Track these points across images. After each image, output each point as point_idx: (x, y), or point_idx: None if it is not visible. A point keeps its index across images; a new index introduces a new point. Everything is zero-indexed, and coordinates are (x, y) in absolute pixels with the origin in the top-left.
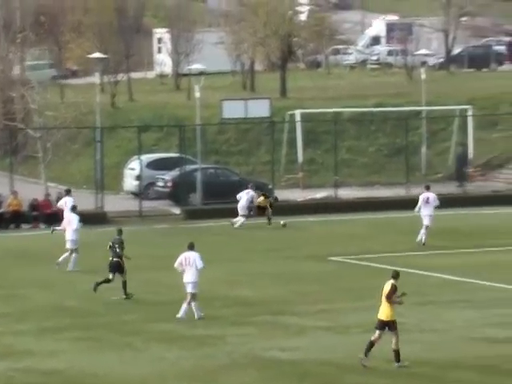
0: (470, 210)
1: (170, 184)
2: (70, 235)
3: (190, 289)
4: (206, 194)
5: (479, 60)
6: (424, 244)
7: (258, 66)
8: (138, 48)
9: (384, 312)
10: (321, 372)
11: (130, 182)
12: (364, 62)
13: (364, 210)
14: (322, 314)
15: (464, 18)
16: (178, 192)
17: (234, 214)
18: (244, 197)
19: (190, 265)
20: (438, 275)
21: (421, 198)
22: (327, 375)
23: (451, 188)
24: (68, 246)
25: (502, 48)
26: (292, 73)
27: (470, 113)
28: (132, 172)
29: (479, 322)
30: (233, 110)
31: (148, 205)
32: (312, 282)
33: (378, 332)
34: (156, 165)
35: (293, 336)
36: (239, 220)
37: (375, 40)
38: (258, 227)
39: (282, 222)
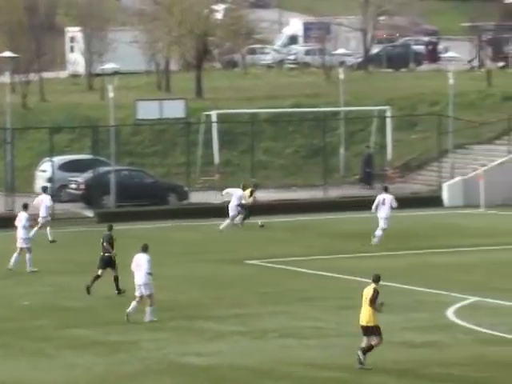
0: (390, 212)
1: (82, 186)
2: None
3: (142, 291)
4: (120, 196)
5: (398, 60)
6: (372, 244)
7: (173, 66)
8: (50, 47)
9: (365, 317)
10: (237, 377)
11: (41, 184)
12: (281, 62)
13: (281, 213)
14: (238, 319)
15: (382, 17)
16: (91, 194)
17: (148, 216)
18: (234, 196)
19: (139, 266)
20: (358, 279)
21: (377, 198)
22: (243, 380)
23: (370, 190)
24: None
25: (420, 48)
26: (208, 73)
27: (388, 113)
28: (44, 174)
29: (398, 326)
30: (147, 110)
31: (60, 207)
32: (228, 285)
33: (365, 339)
34: (68, 167)
35: (208, 341)
36: (226, 223)
37: (293, 39)
38: (173, 230)
39: (259, 223)
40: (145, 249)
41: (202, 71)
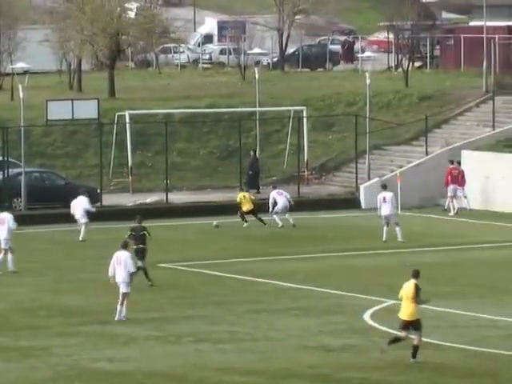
0: (306, 214)
1: None
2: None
3: (122, 289)
4: (31, 198)
5: (314, 60)
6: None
7: (85, 65)
8: None
9: (406, 312)
10: (151, 383)
11: None
12: (196, 62)
13: (196, 215)
14: (153, 323)
15: (298, 16)
16: (1, 197)
17: (60, 219)
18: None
19: (120, 264)
20: (273, 282)
21: (378, 198)
22: None
23: (287, 191)
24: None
25: (337, 47)
26: (121, 72)
27: (304, 114)
28: None
29: (314, 329)
30: (59, 111)
31: None
32: (142, 289)
33: (403, 333)
34: None
35: (121, 346)
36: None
37: (207, 38)
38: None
39: (214, 223)
40: (125, 246)
41: (114, 71)
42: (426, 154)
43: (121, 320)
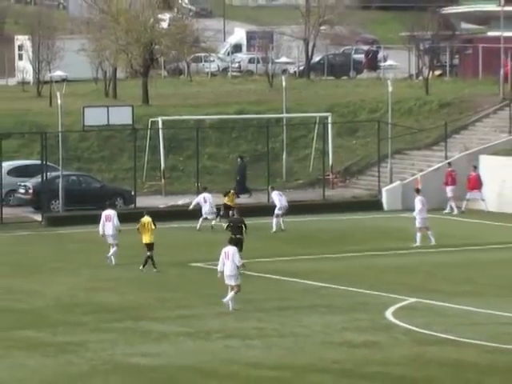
0: (332, 216)
1: (31, 191)
2: None
3: (231, 281)
4: (68, 200)
5: (339, 68)
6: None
7: (120, 74)
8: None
9: None
10: (182, 377)
11: None
12: (225, 70)
13: (226, 216)
14: (183, 320)
15: (323, 27)
16: (40, 199)
17: (96, 220)
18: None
19: (228, 259)
20: (300, 280)
21: (415, 201)
22: (188, 380)
23: (313, 194)
24: None
25: (360, 56)
26: (154, 80)
27: (329, 120)
28: None
29: (338, 326)
30: (95, 117)
31: (9, 212)
32: (173, 288)
33: None
34: (17, 172)
35: (154, 342)
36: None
37: (236, 48)
38: (121, 233)
39: (198, 227)
40: (232, 242)
41: (148, 79)
42: (446, 158)
43: (229, 307)
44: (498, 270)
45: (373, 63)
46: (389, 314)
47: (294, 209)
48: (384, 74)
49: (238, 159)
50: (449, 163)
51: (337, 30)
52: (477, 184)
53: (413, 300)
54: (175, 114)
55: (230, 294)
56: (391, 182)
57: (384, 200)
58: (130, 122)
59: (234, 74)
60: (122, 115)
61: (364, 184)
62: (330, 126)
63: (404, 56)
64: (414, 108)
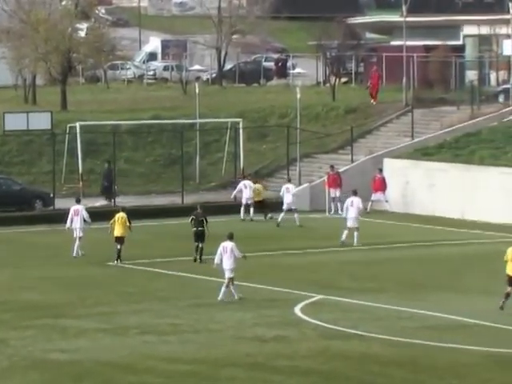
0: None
1: None
2: None
3: (228, 274)
4: None
5: (249, 75)
6: (343, 243)
7: (39, 81)
8: None
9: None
10: (100, 371)
11: None
12: (141, 77)
13: (141, 218)
14: (102, 317)
15: (235, 36)
16: None
17: (15, 221)
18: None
19: (226, 253)
20: (213, 279)
21: (346, 201)
22: (106, 374)
23: (225, 196)
24: None
25: (270, 64)
26: (72, 87)
27: (241, 125)
28: None
29: (250, 322)
30: (15, 122)
31: None
32: (92, 286)
33: (509, 288)
34: None
35: (73, 338)
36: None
37: (152, 56)
38: (37, 233)
39: (269, 215)
40: (231, 237)
41: (66, 86)
42: (352, 161)
43: (222, 300)
44: (399, 267)
45: (282, 71)
46: (297, 310)
47: (206, 210)
48: (293, 81)
49: (105, 164)
50: (331, 166)
51: (248, 38)
52: (381, 186)
53: (320, 297)
54: (93, 119)
55: (231, 286)
56: (300, 184)
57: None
58: (49, 126)
59: (150, 81)
60: (41, 120)
61: (274, 186)
62: (241, 130)
63: (312, 64)
64: (322, 113)
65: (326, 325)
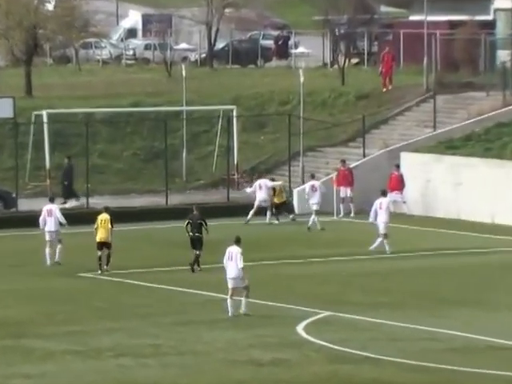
0: (237, 220)
1: None
2: None
3: (234, 284)
4: None
5: (245, 56)
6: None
7: (0, 62)
8: None
9: None
10: None
11: None
12: (119, 57)
13: (118, 221)
14: (72, 337)
15: (228, 10)
16: None
17: None
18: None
19: (231, 260)
20: (201, 292)
21: (374, 204)
22: None
23: (216, 196)
24: None
25: (269, 43)
26: (39, 69)
27: (234, 113)
28: None
29: (244, 343)
30: None
31: None
32: (60, 300)
33: None
34: None
35: (38, 361)
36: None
37: (131, 33)
38: None
39: (291, 217)
40: (238, 241)
41: (31, 67)
42: (364, 155)
43: (233, 314)
44: (418, 279)
45: (283, 50)
46: (300, 328)
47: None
48: (295, 62)
49: (66, 159)
50: (343, 161)
51: (243, 13)
52: (398, 185)
53: (326, 313)
54: (62, 106)
55: (242, 300)
56: (303, 182)
57: (295, 202)
58: (12, 115)
59: (129, 61)
60: (1, 108)
61: (273, 185)
62: (235, 120)
63: (317, 42)
64: (329, 100)
65: (333, 346)
